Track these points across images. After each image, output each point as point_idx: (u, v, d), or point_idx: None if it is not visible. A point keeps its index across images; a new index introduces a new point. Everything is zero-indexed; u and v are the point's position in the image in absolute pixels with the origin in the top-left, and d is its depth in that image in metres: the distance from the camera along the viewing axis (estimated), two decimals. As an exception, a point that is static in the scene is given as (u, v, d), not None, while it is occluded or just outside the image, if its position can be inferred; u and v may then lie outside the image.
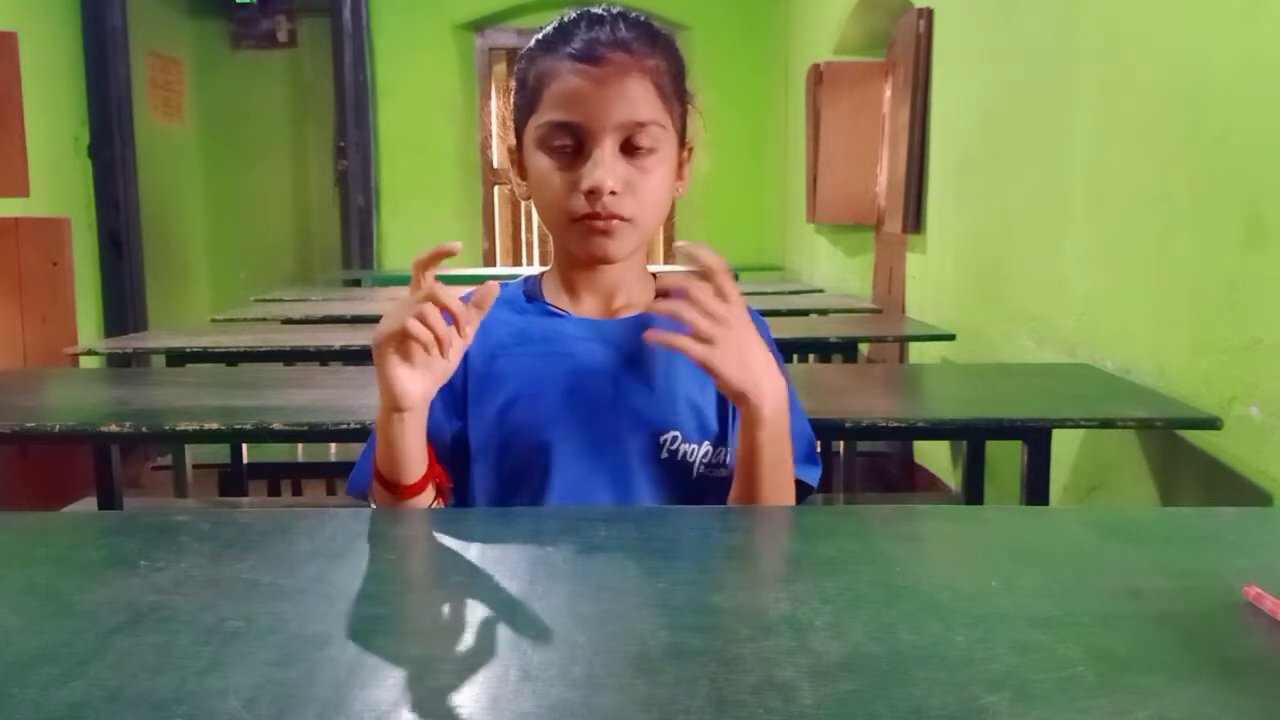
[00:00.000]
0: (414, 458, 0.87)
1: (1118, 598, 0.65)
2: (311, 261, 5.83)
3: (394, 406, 0.84)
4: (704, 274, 0.85)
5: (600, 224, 0.91)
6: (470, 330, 0.85)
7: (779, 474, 0.91)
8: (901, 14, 3.50)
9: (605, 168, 0.89)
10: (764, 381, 0.86)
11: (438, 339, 0.80)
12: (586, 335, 0.97)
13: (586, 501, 0.92)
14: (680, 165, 0.98)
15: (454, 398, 0.95)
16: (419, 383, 0.84)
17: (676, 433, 0.95)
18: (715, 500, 0.97)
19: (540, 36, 0.95)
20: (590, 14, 0.93)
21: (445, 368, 0.86)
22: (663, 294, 0.90)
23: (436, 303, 0.80)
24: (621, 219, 0.91)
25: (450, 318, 0.82)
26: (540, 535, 0.80)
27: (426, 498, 0.90)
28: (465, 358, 0.91)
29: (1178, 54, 1.65)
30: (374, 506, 0.91)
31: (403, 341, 0.81)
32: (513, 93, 0.99)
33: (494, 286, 0.85)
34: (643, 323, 0.98)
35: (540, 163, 0.93)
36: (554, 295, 1.00)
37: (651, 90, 0.92)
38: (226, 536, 0.78)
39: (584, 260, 0.96)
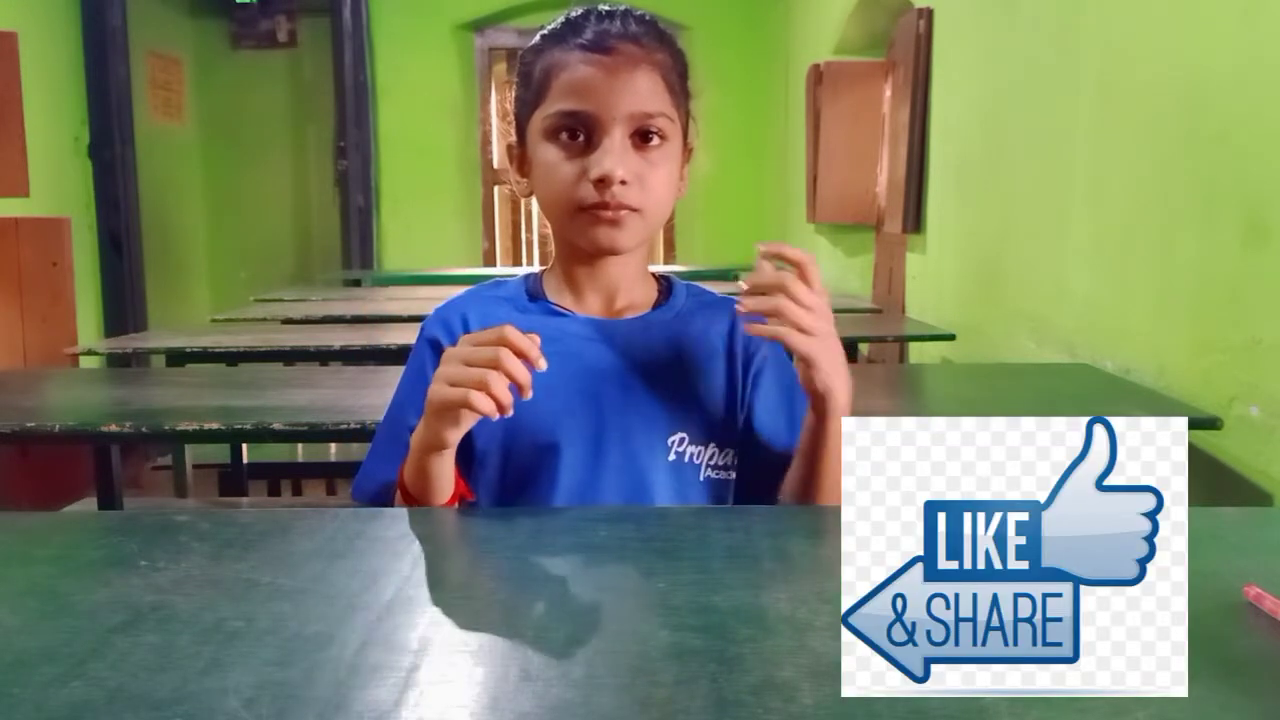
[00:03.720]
0: (446, 483, 0.88)
1: (1118, 598, 0.65)
2: (311, 261, 5.83)
3: (439, 447, 0.84)
4: (794, 268, 0.85)
5: (607, 214, 0.90)
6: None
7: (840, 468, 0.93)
8: (901, 14, 3.50)
9: (615, 157, 0.89)
10: (844, 377, 0.88)
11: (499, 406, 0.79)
12: (592, 336, 0.96)
13: (593, 504, 0.92)
14: (681, 165, 0.98)
15: None
16: (464, 430, 0.84)
17: (684, 434, 0.94)
18: (721, 503, 0.97)
19: (546, 31, 0.95)
20: (598, 10, 0.94)
21: None
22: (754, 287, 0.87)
23: (507, 370, 0.78)
24: (629, 209, 0.91)
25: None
26: (540, 535, 0.80)
27: None
28: None
29: (1178, 54, 1.65)
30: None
31: (468, 408, 0.79)
32: (515, 87, 0.98)
33: (537, 339, 0.81)
34: (647, 324, 0.98)
35: (547, 154, 0.92)
36: (556, 294, 1.00)
37: (660, 84, 0.92)
38: (226, 536, 0.78)
39: (589, 252, 0.95)
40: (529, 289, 1.01)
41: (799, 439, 0.94)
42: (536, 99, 0.94)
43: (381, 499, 0.95)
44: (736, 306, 0.87)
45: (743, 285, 0.86)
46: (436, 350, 0.94)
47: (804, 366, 0.87)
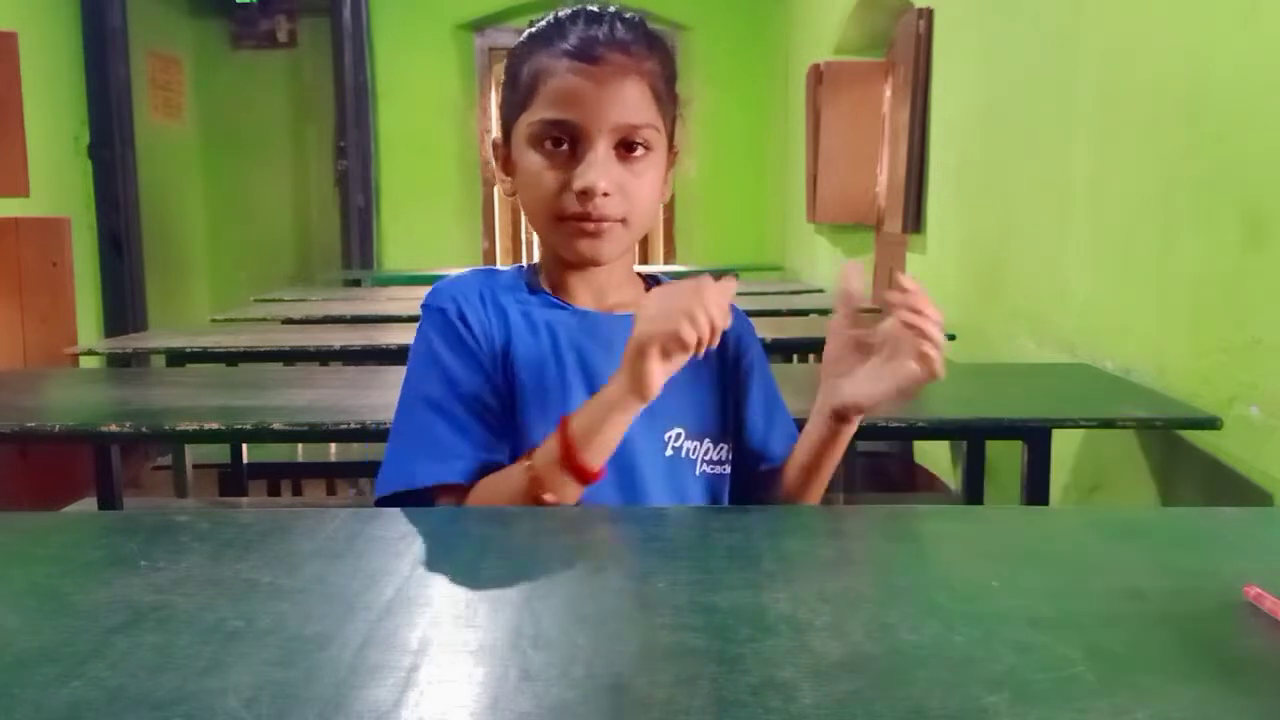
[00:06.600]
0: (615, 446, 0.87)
1: (1118, 598, 0.65)
2: (311, 261, 5.83)
3: (642, 398, 0.83)
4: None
5: (590, 225, 0.90)
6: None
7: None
8: (901, 14, 3.49)
9: (599, 169, 0.89)
10: None
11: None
12: (591, 331, 0.96)
13: (591, 499, 0.92)
14: (666, 170, 0.97)
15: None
16: (665, 376, 0.84)
17: (680, 429, 0.94)
18: (717, 498, 0.97)
19: (534, 31, 0.94)
20: (587, 12, 0.93)
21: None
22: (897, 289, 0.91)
23: (708, 312, 0.81)
24: (612, 220, 0.90)
25: None
26: (540, 535, 0.80)
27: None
28: (490, 339, 0.92)
29: (1178, 54, 1.65)
30: (438, 504, 0.89)
31: (674, 341, 0.81)
32: (502, 86, 0.97)
33: (734, 282, 0.84)
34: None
35: (531, 161, 0.92)
36: (548, 290, 0.99)
37: (647, 93, 0.91)
38: (226, 536, 0.78)
39: (572, 262, 0.95)
40: (526, 282, 1.00)
41: (800, 449, 0.96)
42: (523, 103, 0.93)
43: (419, 499, 0.90)
44: (906, 317, 0.93)
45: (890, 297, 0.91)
46: (454, 317, 0.92)
47: (913, 389, 0.92)
